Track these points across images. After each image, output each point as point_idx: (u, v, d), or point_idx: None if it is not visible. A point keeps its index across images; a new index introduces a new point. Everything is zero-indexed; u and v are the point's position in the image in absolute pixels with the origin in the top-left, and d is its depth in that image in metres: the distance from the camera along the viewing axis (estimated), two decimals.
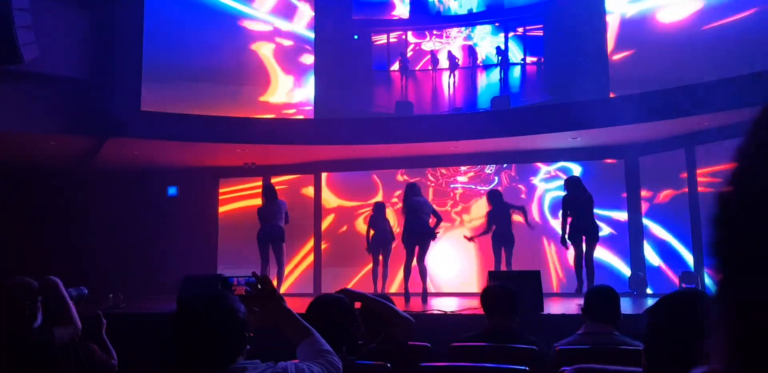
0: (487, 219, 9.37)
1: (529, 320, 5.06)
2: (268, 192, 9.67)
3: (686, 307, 1.84)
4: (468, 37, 13.38)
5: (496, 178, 11.71)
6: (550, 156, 11.34)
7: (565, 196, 8.51)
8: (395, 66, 13.46)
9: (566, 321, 5.64)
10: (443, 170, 11.98)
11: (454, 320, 5.98)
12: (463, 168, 11.89)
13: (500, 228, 9.22)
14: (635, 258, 10.69)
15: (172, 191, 12.47)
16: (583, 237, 8.33)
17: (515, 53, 13.01)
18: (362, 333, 3.41)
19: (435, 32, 13.58)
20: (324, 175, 12.32)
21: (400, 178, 11.95)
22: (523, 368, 2.92)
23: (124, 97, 10.01)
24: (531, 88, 12.75)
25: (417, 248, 8.76)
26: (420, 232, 8.71)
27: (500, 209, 9.31)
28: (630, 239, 10.83)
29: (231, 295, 2.27)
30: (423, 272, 8.77)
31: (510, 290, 4.11)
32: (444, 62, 13.29)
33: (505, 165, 11.67)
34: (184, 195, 12.46)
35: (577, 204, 8.41)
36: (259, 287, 2.38)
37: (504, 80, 12.80)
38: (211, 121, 10.40)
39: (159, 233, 11.86)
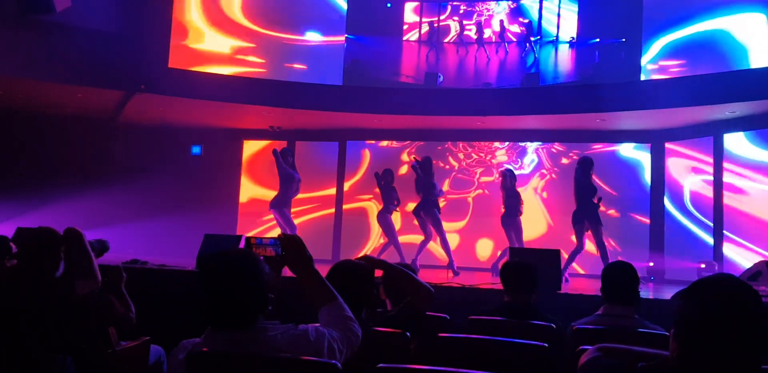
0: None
1: (546, 298, 5.04)
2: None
3: (723, 292, 1.78)
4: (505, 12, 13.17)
5: (534, 157, 11.65)
6: (577, 136, 11.23)
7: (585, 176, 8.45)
8: (425, 36, 13.29)
9: (584, 301, 5.62)
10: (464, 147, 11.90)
11: (473, 294, 5.97)
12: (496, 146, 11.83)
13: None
14: (654, 245, 10.60)
15: (196, 149, 12.50)
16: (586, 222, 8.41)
17: (549, 30, 12.80)
18: (382, 301, 3.40)
19: (463, 8, 13.37)
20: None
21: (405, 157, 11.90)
22: (542, 344, 2.89)
23: (152, 52, 9.98)
24: (562, 67, 12.56)
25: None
26: None
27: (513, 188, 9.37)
28: (651, 226, 10.74)
29: (253, 254, 2.25)
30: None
31: (530, 266, 4.08)
32: (474, 36, 13.10)
33: (539, 144, 11.61)
34: (208, 154, 12.47)
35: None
36: (286, 246, 2.35)
37: (535, 58, 12.61)
38: (237, 82, 10.37)
39: (181, 191, 11.90)
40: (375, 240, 11.68)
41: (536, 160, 11.60)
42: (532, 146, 11.64)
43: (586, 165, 8.54)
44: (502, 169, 9.97)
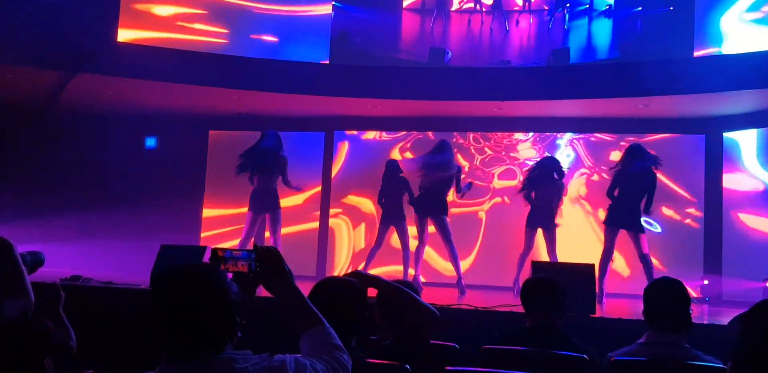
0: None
1: (577, 323, 5.04)
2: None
3: None
4: None
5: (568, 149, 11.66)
6: (613, 126, 11.24)
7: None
8: (429, 4, 13.30)
9: (623, 327, 5.62)
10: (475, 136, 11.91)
11: (487, 318, 5.97)
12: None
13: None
14: (710, 257, 10.61)
15: (150, 142, 12.49)
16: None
17: None
18: (376, 326, 3.40)
19: None
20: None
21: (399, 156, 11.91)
22: None
23: (96, 23, 9.98)
24: (597, 42, 12.59)
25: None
26: None
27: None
28: (705, 234, 10.75)
29: (217, 268, 2.25)
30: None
31: (556, 283, 4.08)
32: (490, 2, 13.11)
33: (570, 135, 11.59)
34: (165, 148, 12.47)
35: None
36: (262, 260, 2.34)
37: (564, 30, 12.63)
38: (201, 59, 10.37)
39: (133, 192, 11.89)
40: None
41: (573, 155, 11.58)
42: (564, 138, 11.61)
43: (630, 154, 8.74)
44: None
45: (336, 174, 12.24)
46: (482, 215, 11.71)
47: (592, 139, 11.55)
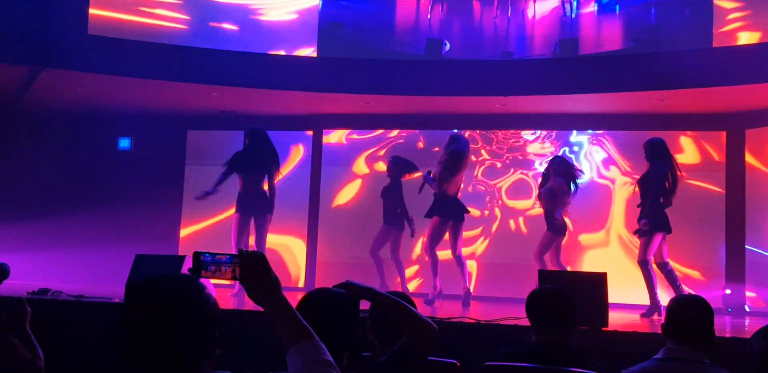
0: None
1: (588, 337, 5.04)
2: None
3: None
4: None
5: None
6: (627, 123, 11.23)
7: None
8: None
9: (638, 341, 5.62)
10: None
11: (490, 332, 5.97)
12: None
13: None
14: (732, 265, 10.62)
15: (124, 143, 12.45)
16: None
17: None
18: (369, 342, 3.39)
19: None
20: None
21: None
22: None
23: (65, 14, 9.95)
24: (607, 31, 12.56)
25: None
26: None
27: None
28: (726, 241, 10.76)
29: (195, 279, 2.24)
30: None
31: (565, 294, 4.09)
32: None
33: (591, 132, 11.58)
34: (140, 149, 12.44)
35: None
36: (246, 265, 2.34)
37: (572, 18, 12.61)
38: (178, 53, 10.36)
39: (105, 197, 11.85)
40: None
41: (603, 153, 11.55)
42: (581, 136, 11.60)
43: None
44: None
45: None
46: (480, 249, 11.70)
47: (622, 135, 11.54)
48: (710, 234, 10.80)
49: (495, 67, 10.74)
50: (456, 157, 9.48)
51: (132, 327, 2.13)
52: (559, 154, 11.00)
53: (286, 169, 11.64)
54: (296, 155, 12.32)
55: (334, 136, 12.38)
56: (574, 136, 11.68)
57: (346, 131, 12.32)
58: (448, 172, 9.43)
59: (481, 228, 11.58)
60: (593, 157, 11.51)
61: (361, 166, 12.21)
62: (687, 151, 11.03)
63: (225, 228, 10.84)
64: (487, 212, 11.65)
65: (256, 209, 9.88)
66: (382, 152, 12.09)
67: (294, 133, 12.35)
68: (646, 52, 10.47)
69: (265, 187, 9.98)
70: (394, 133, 12.19)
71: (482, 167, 11.85)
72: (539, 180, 10.14)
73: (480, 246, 11.59)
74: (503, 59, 11.24)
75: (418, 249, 11.20)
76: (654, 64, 9.75)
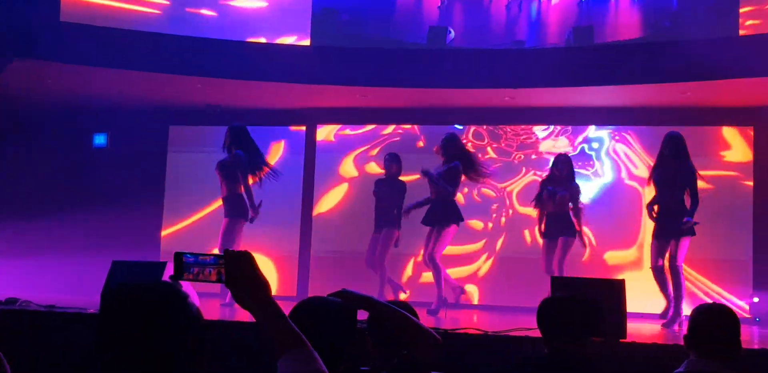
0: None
1: (605, 349, 5.03)
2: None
3: None
4: None
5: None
6: (646, 117, 11.22)
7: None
8: None
9: (659, 354, 5.62)
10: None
11: (498, 344, 5.97)
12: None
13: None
14: (761, 271, 10.62)
15: (99, 139, 12.45)
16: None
17: None
18: (368, 354, 3.38)
19: None
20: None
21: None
22: None
23: (36, 1, 9.94)
24: (625, 19, 12.56)
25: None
26: None
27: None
28: (755, 243, 10.77)
29: (175, 287, 2.22)
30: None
31: (581, 302, 4.07)
32: None
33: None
34: (117, 146, 12.42)
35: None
36: (233, 267, 2.32)
37: (588, 4, 12.61)
38: (159, 42, 10.35)
39: (79, 198, 11.84)
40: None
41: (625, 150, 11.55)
42: (601, 132, 11.59)
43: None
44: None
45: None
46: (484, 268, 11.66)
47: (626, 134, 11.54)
48: (736, 231, 10.83)
49: (504, 57, 10.74)
50: (457, 173, 9.59)
51: (107, 341, 2.11)
52: (575, 152, 11.01)
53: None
54: (275, 154, 12.26)
55: (321, 133, 12.36)
56: (593, 132, 11.63)
57: (336, 127, 12.31)
58: (454, 188, 9.58)
59: (483, 241, 11.57)
60: (617, 155, 11.47)
61: (348, 168, 12.17)
62: (712, 146, 11.01)
63: (208, 227, 10.81)
64: (490, 225, 11.63)
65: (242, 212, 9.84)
66: (374, 152, 12.07)
67: (275, 129, 12.34)
68: (666, 40, 10.46)
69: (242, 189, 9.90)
70: (389, 129, 12.18)
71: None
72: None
73: (484, 266, 11.57)
74: (513, 48, 11.24)
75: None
76: (675, 54, 9.73)
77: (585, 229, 9.81)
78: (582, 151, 11.46)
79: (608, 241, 10.91)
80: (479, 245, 11.54)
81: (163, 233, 12.36)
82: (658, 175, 9.08)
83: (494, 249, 11.56)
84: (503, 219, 11.64)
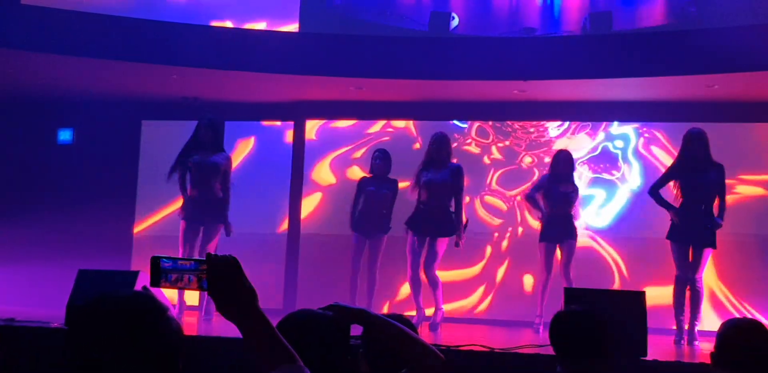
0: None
1: (625, 369, 5.04)
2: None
3: None
4: None
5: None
6: (668, 113, 11.23)
7: None
8: None
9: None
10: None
11: (506, 362, 5.97)
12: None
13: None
14: None
15: (64, 135, 12.43)
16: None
17: None
18: (363, 372, 3.38)
19: None
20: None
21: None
22: None
23: None
24: (646, 4, 12.59)
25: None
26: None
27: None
28: None
29: (149, 298, 2.22)
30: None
31: (597, 317, 4.07)
32: None
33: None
34: (84, 143, 12.42)
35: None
36: (216, 274, 2.32)
37: None
38: (130, 28, 10.34)
39: (42, 200, 11.84)
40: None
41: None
42: (625, 128, 11.57)
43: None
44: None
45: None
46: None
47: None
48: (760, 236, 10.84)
49: (513, 46, 10.77)
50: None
51: (76, 358, 2.11)
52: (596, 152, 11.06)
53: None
54: (242, 152, 12.28)
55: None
56: (616, 129, 11.58)
57: (319, 123, 12.29)
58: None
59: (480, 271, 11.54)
60: (647, 156, 11.41)
61: (324, 173, 12.16)
62: (738, 143, 11.02)
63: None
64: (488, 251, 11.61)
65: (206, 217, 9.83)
66: (358, 153, 12.07)
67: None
68: (691, 28, 10.47)
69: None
70: (376, 128, 12.18)
71: (497, 172, 11.79)
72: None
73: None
74: (523, 36, 11.25)
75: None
76: (701, 44, 9.73)
77: (615, 256, 9.84)
78: (604, 150, 11.46)
79: (644, 273, 10.79)
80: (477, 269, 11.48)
81: (135, 237, 12.30)
82: (685, 180, 9.02)
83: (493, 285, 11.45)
84: (505, 243, 11.55)
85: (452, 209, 9.56)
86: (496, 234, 11.53)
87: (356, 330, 3.13)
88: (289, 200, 12.21)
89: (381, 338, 3.24)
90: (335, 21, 11.42)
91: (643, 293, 6.67)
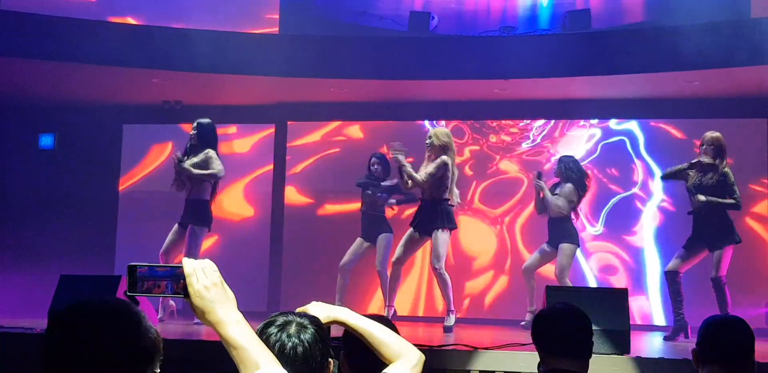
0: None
1: (608, 366, 5.05)
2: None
3: None
4: None
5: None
6: (652, 110, 11.26)
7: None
8: None
9: (667, 370, 5.63)
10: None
11: (489, 362, 5.97)
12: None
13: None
14: None
15: (46, 140, 12.39)
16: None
17: None
18: None
19: None
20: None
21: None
22: None
23: None
24: (623, 2, 12.61)
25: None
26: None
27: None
28: None
29: (128, 305, 2.21)
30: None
31: (580, 315, 4.07)
32: None
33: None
34: (65, 148, 12.37)
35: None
36: (195, 279, 2.31)
37: None
38: (108, 31, 10.30)
39: (21, 204, 11.80)
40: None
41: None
42: (629, 125, 11.58)
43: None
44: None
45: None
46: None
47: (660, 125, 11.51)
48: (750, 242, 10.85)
49: (493, 45, 10.77)
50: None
51: (54, 364, 2.11)
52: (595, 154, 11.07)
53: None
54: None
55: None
56: (614, 125, 11.61)
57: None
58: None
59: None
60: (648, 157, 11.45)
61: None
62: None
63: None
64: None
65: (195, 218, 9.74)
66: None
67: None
68: (670, 25, 10.48)
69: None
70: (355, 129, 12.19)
71: (481, 186, 11.80)
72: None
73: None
74: (502, 35, 11.25)
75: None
76: (681, 40, 9.74)
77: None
78: (603, 151, 11.51)
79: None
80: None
81: (118, 245, 12.28)
82: (701, 183, 8.87)
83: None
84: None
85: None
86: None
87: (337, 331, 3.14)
88: (272, 203, 12.20)
89: (361, 337, 3.24)
90: (314, 22, 11.40)
91: (625, 290, 6.67)
